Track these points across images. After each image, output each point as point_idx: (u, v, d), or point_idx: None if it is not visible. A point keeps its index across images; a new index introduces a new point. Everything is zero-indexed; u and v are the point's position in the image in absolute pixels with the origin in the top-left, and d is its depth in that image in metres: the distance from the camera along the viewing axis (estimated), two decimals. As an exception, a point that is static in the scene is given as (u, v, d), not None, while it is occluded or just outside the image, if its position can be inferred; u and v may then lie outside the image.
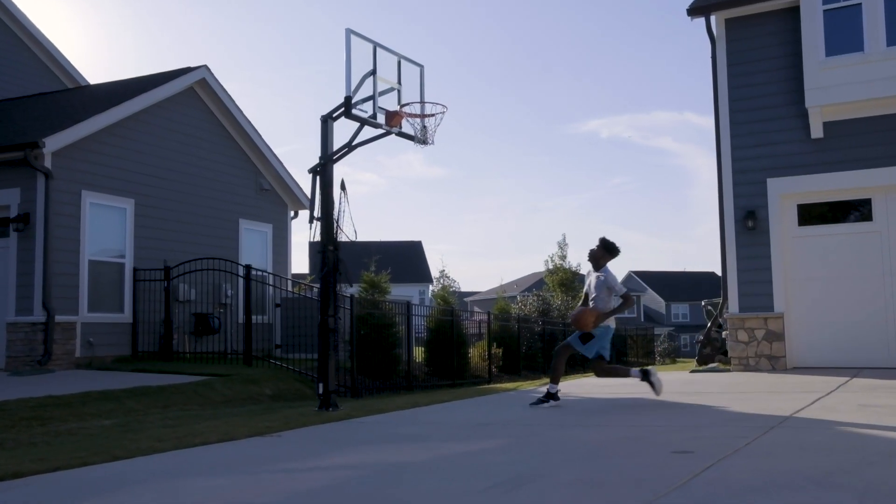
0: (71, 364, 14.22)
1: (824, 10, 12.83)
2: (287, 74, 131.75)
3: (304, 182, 22.64)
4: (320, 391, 9.11)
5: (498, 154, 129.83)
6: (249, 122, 18.52)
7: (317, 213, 9.38)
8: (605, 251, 8.76)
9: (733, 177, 13.47)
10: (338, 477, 5.08)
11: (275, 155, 19.19)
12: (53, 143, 14.08)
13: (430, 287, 64.97)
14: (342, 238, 9.47)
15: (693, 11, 13.67)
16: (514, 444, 6.21)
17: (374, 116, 9.50)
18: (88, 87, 20.05)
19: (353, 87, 9.17)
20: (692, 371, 14.39)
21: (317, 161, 9.43)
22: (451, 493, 4.33)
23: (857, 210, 13.20)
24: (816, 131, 12.89)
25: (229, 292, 16.88)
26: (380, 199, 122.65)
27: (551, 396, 8.55)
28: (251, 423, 7.93)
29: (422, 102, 9.83)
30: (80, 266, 14.61)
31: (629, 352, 34.35)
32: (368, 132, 9.61)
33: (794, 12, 13.16)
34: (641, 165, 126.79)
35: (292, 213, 20.00)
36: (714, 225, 14.75)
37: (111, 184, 15.42)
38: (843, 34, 12.75)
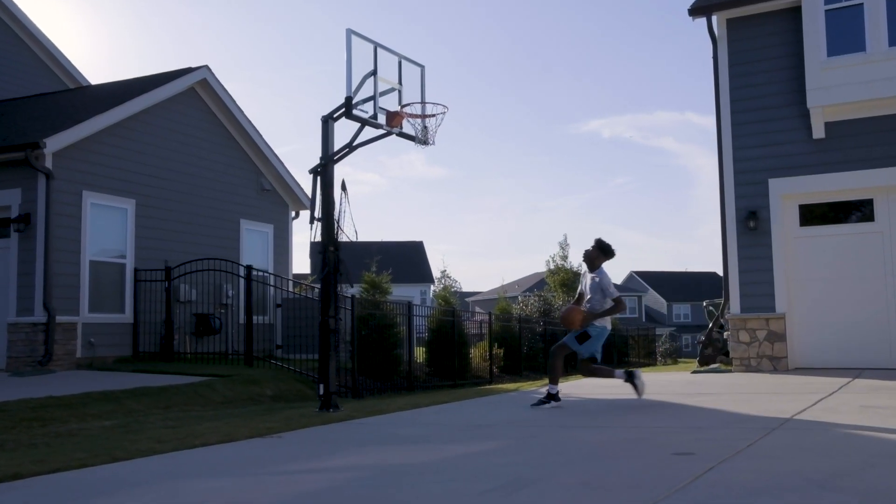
0: (72, 364, 14.21)
1: (826, 10, 12.80)
2: (288, 74, 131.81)
3: (305, 182, 22.67)
4: (321, 392, 9.10)
5: (499, 154, 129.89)
6: (250, 123, 18.52)
7: (317, 213, 9.37)
8: (600, 252, 8.75)
9: (735, 177, 13.45)
10: (338, 479, 5.07)
11: (276, 155, 19.19)
12: (54, 143, 14.08)
13: (432, 287, 64.98)
14: (343, 238, 9.46)
15: (694, 11, 13.65)
16: (514, 445, 6.20)
17: (374, 117, 9.48)
18: (89, 87, 20.05)
19: (353, 88, 9.15)
20: (694, 372, 14.37)
21: (317, 161, 9.41)
22: (452, 495, 4.32)
23: (858, 210, 13.18)
24: (818, 131, 12.87)
25: (230, 293, 16.87)
26: (381, 199, 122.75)
27: (552, 397, 8.54)
28: (252, 423, 7.92)
29: (422, 103, 9.81)
30: (81, 266, 14.61)
31: (631, 352, 34.32)
32: (369, 132, 9.60)
33: (795, 12, 13.14)
34: (643, 165, 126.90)
35: (293, 214, 19.99)
36: (716, 225, 14.75)
37: (112, 184, 15.41)
38: (845, 34, 12.72)
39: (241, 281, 15.86)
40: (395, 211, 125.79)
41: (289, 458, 5.92)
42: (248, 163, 18.79)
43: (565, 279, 41.71)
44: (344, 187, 9.66)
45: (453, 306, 20.42)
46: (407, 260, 64.53)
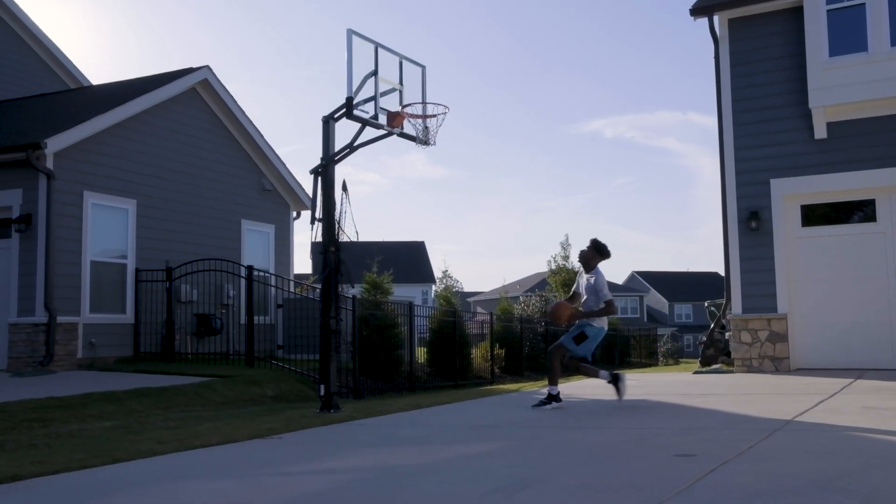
0: (73, 365, 14.20)
1: (828, 10, 12.78)
2: (289, 74, 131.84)
3: (307, 182, 22.68)
4: (322, 393, 9.08)
5: (501, 154, 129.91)
6: (251, 123, 18.50)
7: (318, 214, 9.36)
8: (595, 252, 8.75)
9: (736, 177, 13.43)
10: (338, 480, 5.05)
11: (277, 155, 19.18)
12: (55, 143, 14.07)
13: (433, 287, 65.02)
14: (343, 239, 9.44)
15: (696, 11, 13.63)
16: (515, 446, 6.18)
17: (375, 117, 9.46)
18: (90, 87, 20.05)
19: (354, 88, 9.14)
20: (695, 372, 14.35)
21: (318, 162, 9.40)
22: (452, 496, 4.30)
23: (860, 211, 13.15)
24: (820, 132, 12.84)
25: (231, 293, 16.86)
26: (383, 200, 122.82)
27: (553, 398, 8.53)
28: (252, 424, 7.90)
29: (423, 103, 9.79)
30: (81, 267, 14.60)
31: (632, 352, 34.30)
32: (370, 133, 9.58)
33: (797, 12, 13.12)
34: (644, 165, 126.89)
35: (294, 214, 19.98)
36: (717, 225, 14.72)
37: (113, 184, 15.41)
38: (847, 34, 12.70)
39: (243, 281, 15.85)
40: (397, 211, 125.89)
41: (289, 460, 5.91)
42: (250, 163, 18.78)
43: (567, 279, 41.69)
44: (345, 187, 9.64)
45: (455, 306, 20.40)
46: (408, 260, 64.54)
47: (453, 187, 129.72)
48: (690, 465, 4.89)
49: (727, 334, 14.36)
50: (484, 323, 21.87)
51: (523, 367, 22.08)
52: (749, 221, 13.19)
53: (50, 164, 14.09)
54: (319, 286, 9.67)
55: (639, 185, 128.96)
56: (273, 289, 16.87)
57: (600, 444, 6.07)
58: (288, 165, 19.80)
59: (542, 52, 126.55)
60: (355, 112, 9.21)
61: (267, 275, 17.06)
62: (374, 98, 9.44)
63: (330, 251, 9.24)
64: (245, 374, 13.67)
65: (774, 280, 13.03)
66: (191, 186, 17.17)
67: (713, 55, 13.85)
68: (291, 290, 16.71)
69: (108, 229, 15.35)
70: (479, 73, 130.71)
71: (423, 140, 9.70)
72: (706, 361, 15.04)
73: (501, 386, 15.86)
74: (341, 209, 9.46)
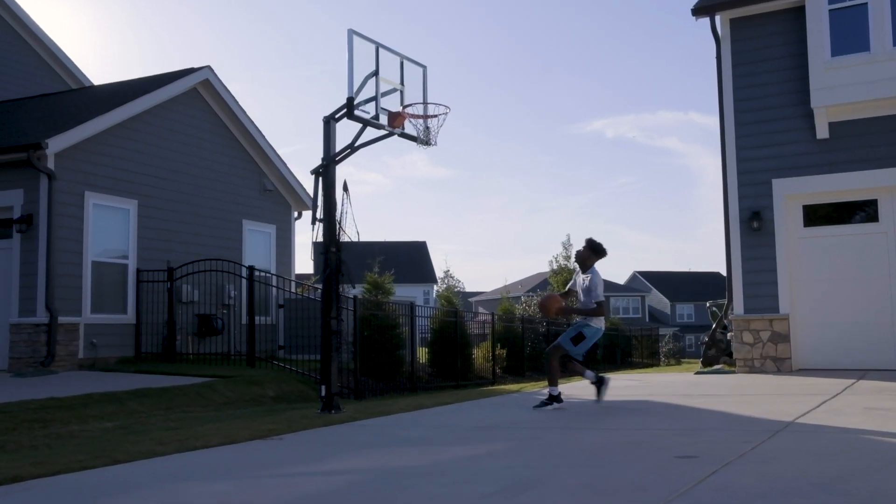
0: (74, 365, 14.20)
1: (830, 10, 12.76)
2: (290, 75, 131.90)
3: (308, 182, 22.61)
4: (323, 393, 9.07)
5: (502, 154, 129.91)
6: (253, 123, 18.49)
7: (319, 214, 9.34)
8: (591, 252, 8.76)
9: (738, 177, 13.41)
10: (339, 482, 5.04)
11: (278, 155, 19.16)
12: (56, 144, 14.07)
13: (435, 287, 65.01)
14: (344, 239, 9.43)
15: (698, 11, 13.61)
16: (517, 447, 6.16)
17: (376, 117, 9.45)
18: (91, 87, 20.04)
19: (355, 88, 9.12)
20: (697, 373, 14.33)
21: (319, 162, 9.39)
22: (453, 499, 4.29)
23: (862, 211, 13.13)
24: (822, 132, 12.82)
25: (232, 293, 16.86)
26: (384, 200, 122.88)
27: (554, 398, 8.51)
28: (253, 425, 7.89)
29: (424, 103, 9.77)
30: (83, 267, 14.60)
31: (634, 352, 34.26)
32: (371, 133, 9.57)
33: (799, 12, 13.09)
34: (646, 165, 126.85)
35: (296, 214, 19.97)
36: (719, 225, 14.70)
37: (114, 185, 15.40)
38: (849, 34, 12.67)
39: (244, 281, 15.84)
40: (399, 211, 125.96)
41: (290, 461, 5.89)
42: (251, 163, 18.77)
43: (568, 279, 41.55)
44: (346, 188, 9.63)
45: (456, 307, 20.37)
46: (410, 260, 64.53)
47: (455, 187, 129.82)
48: (692, 466, 4.88)
49: (729, 335, 14.33)
50: (485, 323, 21.85)
51: (525, 368, 22.06)
52: (751, 221, 13.17)
53: (51, 164, 14.09)
54: (320, 286, 9.66)
55: (640, 185, 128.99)
56: (274, 289, 16.86)
57: (602, 445, 6.05)
58: (289, 165, 19.81)
59: (544, 52, 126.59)
60: (356, 112, 9.19)
61: (268, 275, 17.05)
62: (374, 98, 9.42)
63: (331, 251, 9.23)
64: (246, 374, 13.65)
65: (776, 280, 13.01)
66: (192, 186, 17.16)
67: (715, 55, 13.83)
68: (292, 290, 16.70)
69: (109, 229, 15.34)
70: (480, 73, 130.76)
71: (424, 140, 9.68)
72: (708, 362, 15.02)
73: (503, 386, 15.84)
74: (342, 209, 9.46)
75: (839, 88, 12.59)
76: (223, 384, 12.53)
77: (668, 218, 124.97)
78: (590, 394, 9.08)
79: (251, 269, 15.46)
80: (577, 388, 11.06)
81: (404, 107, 9.71)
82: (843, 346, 12.77)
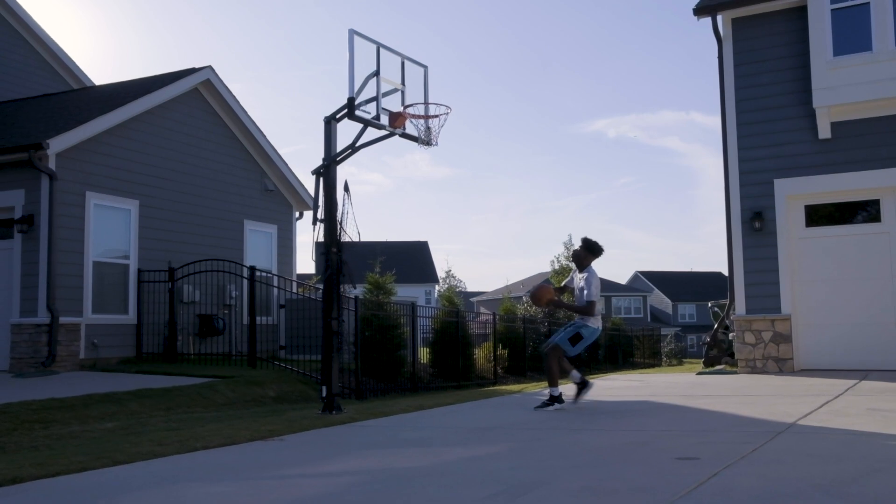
0: (75, 366, 14.20)
1: (832, 10, 12.73)
2: (292, 75, 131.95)
3: (309, 182, 22.57)
4: (324, 394, 9.06)
5: (504, 154, 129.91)
6: (254, 123, 18.49)
7: (320, 214, 9.33)
8: (587, 252, 8.77)
9: (740, 177, 13.38)
10: (339, 484, 5.03)
11: (279, 155, 19.16)
12: (57, 144, 14.07)
13: (436, 287, 64.99)
14: (345, 239, 9.42)
15: (699, 11, 13.59)
16: (518, 449, 6.15)
17: (377, 117, 9.43)
18: (93, 87, 20.04)
19: (356, 89, 9.11)
20: (699, 373, 14.31)
21: (321, 162, 9.37)
22: (453, 501, 4.27)
23: (864, 211, 13.10)
24: (824, 132, 12.80)
25: (234, 293, 16.85)
26: (386, 199, 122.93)
27: (555, 399, 8.50)
28: (254, 426, 7.88)
29: (426, 103, 9.75)
30: (84, 267, 14.59)
31: (636, 352, 34.24)
32: (372, 133, 9.55)
33: (801, 12, 13.07)
34: (648, 165, 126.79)
35: (297, 214, 19.96)
36: (721, 225, 14.68)
37: (115, 185, 15.40)
38: (851, 34, 12.65)
39: (245, 282, 15.84)
40: (400, 211, 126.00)
41: (290, 462, 5.88)
42: (252, 163, 18.76)
43: (570, 279, 41.64)
44: (346, 188, 9.62)
45: (457, 307, 20.37)
46: (411, 260, 64.50)
47: (456, 187, 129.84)
48: (693, 468, 4.86)
49: (731, 335, 14.31)
50: (487, 323, 21.84)
51: (526, 368, 22.05)
52: (753, 222, 13.15)
53: (52, 164, 14.08)
54: (321, 287, 9.64)
55: (642, 185, 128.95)
56: (275, 289, 16.85)
57: (603, 447, 6.04)
58: (291, 165, 19.80)
59: (545, 52, 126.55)
60: (357, 112, 9.18)
61: (269, 275, 17.05)
62: (376, 98, 9.41)
63: (332, 252, 9.21)
64: (247, 374, 13.64)
65: (778, 280, 12.98)
66: (193, 187, 17.15)
67: (717, 55, 13.81)
68: (294, 290, 16.69)
69: (110, 230, 15.34)
70: (481, 73, 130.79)
71: (425, 140, 9.66)
72: (710, 362, 15.01)
73: (504, 387, 15.83)
74: (343, 210, 9.44)
75: (841, 88, 12.56)
76: (224, 384, 12.52)
77: (670, 218, 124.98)
78: (590, 394, 9.06)
79: (252, 269, 15.45)
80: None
81: (405, 107, 9.69)
82: (845, 347, 12.74)
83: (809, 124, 12.95)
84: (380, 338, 16.00)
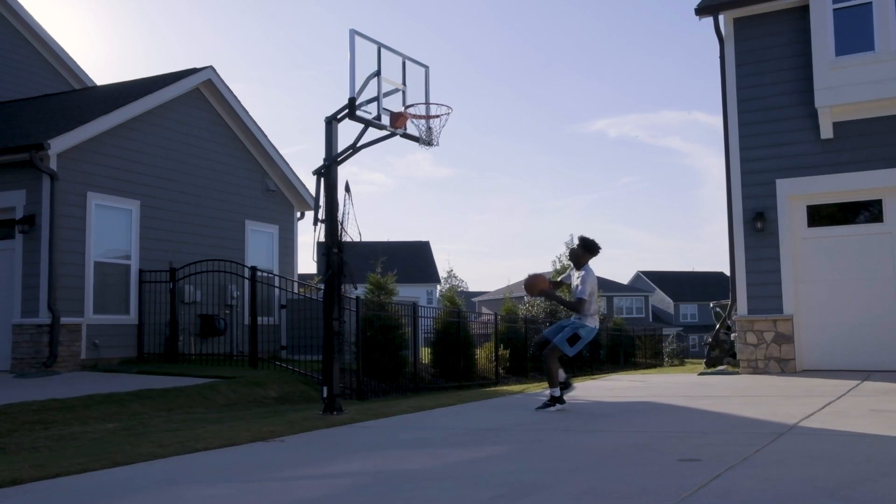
0: (76, 366, 14.19)
1: (834, 10, 12.70)
2: (293, 75, 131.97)
3: (311, 183, 22.56)
4: (325, 395, 9.04)
5: (505, 154, 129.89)
6: (255, 123, 18.48)
7: (321, 215, 9.32)
8: (584, 250, 8.78)
9: (742, 177, 13.36)
10: (339, 485, 5.01)
11: (281, 156, 19.14)
12: (59, 144, 14.06)
13: (438, 287, 64.97)
14: (346, 240, 9.40)
15: (701, 11, 13.56)
16: (519, 450, 6.13)
17: (378, 118, 9.41)
18: (94, 88, 20.03)
19: (357, 89, 9.09)
20: (700, 373, 14.28)
21: (322, 162, 9.36)
22: (454, 503, 4.25)
23: (867, 211, 13.07)
24: (826, 132, 12.77)
25: (235, 293, 16.84)
26: (388, 199, 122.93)
27: (556, 400, 8.48)
28: (255, 427, 7.86)
29: (427, 104, 9.73)
30: (85, 267, 14.58)
31: (637, 352, 34.21)
32: (373, 133, 9.53)
33: (803, 11, 13.04)
34: (649, 165, 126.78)
35: (299, 214, 19.95)
36: (723, 224, 14.63)
37: (116, 185, 15.39)
38: (854, 33, 12.62)
39: (246, 282, 15.83)
40: (402, 211, 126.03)
41: (290, 464, 5.86)
42: (253, 163, 18.75)
43: (571, 280, 41.54)
44: (348, 188, 9.60)
45: (459, 307, 20.35)
46: (413, 260, 64.47)
47: (458, 187, 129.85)
48: (695, 470, 4.84)
49: (733, 335, 14.29)
50: (488, 323, 21.82)
51: (528, 368, 22.03)
52: (755, 222, 13.12)
53: (53, 164, 14.08)
54: (323, 287, 9.63)
55: (644, 185, 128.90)
56: (277, 289, 16.84)
57: (604, 448, 6.01)
58: (292, 165, 19.78)
59: (547, 52, 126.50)
60: (358, 113, 9.16)
61: (270, 275, 17.03)
62: (377, 99, 9.39)
63: (333, 252, 9.20)
64: (248, 375, 13.63)
65: (780, 281, 12.95)
66: (194, 187, 17.14)
67: (718, 55, 13.78)
68: (295, 290, 16.67)
69: (111, 230, 15.33)
70: (483, 73, 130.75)
71: (426, 141, 9.64)
72: (711, 362, 14.98)
73: (506, 387, 15.81)
74: (344, 210, 9.42)
75: (843, 88, 12.53)
76: (225, 385, 12.51)
77: (672, 218, 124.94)
78: (592, 395, 9.06)
79: (254, 269, 15.44)
80: (578, 389, 11.02)
81: (406, 107, 9.67)
82: (848, 347, 12.71)
83: (811, 124, 12.92)
84: (381, 338, 15.99)
